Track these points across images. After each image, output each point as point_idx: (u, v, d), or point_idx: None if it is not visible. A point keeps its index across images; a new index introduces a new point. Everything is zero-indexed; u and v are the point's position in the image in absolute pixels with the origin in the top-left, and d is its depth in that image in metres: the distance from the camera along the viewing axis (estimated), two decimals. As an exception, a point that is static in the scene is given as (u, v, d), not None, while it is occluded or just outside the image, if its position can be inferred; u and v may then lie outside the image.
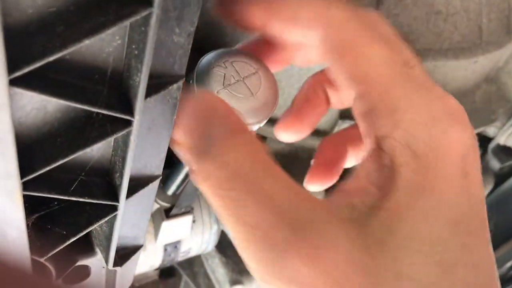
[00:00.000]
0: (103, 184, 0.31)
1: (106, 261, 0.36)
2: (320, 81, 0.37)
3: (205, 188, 0.26)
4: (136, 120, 0.25)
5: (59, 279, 0.37)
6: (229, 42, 0.41)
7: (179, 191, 0.57)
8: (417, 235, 0.24)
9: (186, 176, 0.55)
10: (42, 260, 0.32)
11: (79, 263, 0.38)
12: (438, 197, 0.25)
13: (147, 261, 0.58)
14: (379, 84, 0.27)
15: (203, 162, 0.26)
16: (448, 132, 0.26)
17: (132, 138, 0.26)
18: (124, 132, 0.26)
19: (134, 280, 0.76)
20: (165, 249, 0.61)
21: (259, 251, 0.24)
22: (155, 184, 0.33)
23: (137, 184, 0.32)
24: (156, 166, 0.32)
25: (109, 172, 0.30)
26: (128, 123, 0.26)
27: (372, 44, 0.28)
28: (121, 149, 0.28)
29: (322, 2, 0.29)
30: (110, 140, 0.28)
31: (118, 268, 0.38)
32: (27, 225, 0.29)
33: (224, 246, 0.65)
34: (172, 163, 0.57)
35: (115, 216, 0.32)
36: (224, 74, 0.32)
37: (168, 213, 0.58)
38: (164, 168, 0.56)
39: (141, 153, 0.30)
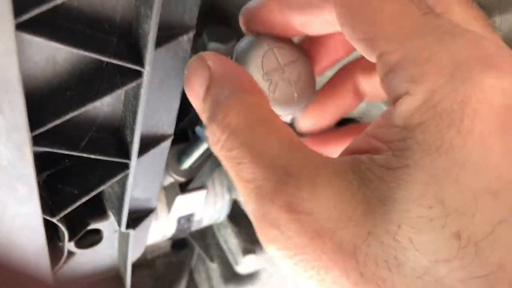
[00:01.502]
0: (115, 142, 0.30)
1: (119, 224, 0.36)
2: (351, 71, 0.34)
3: (216, 152, 0.26)
4: (147, 71, 0.25)
5: (71, 242, 0.37)
6: None
7: (194, 166, 0.56)
8: (429, 202, 0.21)
9: (204, 152, 0.54)
10: (54, 220, 0.32)
11: (92, 226, 0.38)
12: (465, 159, 0.21)
13: (160, 231, 0.58)
14: (396, 38, 0.24)
15: (211, 126, 0.26)
16: (478, 81, 0.22)
17: (143, 91, 0.26)
18: (134, 84, 0.25)
19: (146, 252, 0.76)
20: (179, 221, 0.61)
21: (252, 203, 0.24)
22: (167, 143, 0.33)
23: (149, 143, 0.31)
24: (168, 124, 0.31)
25: (120, 129, 0.30)
26: (138, 74, 0.25)
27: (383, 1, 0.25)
28: (132, 103, 0.27)
29: None
30: (121, 93, 0.28)
31: (131, 232, 0.37)
32: (38, 183, 0.28)
33: (236, 216, 0.65)
34: (188, 137, 0.56)
35: (127, 175, 0.31)
36: (263, 59, 0.30)
37: (182, 188, 0.58)
38: (180, 143, 0.55)
39: (152, 109, 0.29)
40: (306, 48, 0.32)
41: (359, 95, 0.34)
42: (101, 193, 0.38)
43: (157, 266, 0.75)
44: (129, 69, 0.25)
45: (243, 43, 0.31)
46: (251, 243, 0.63)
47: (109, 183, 0.31)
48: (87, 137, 0.28)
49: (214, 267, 0.74)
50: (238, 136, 0.25)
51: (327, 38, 0.32)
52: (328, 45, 0.33)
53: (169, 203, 0.58)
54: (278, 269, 0.70)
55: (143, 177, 0.34)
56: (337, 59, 0.34)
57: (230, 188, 0.60)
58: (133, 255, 0.45)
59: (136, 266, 0.75)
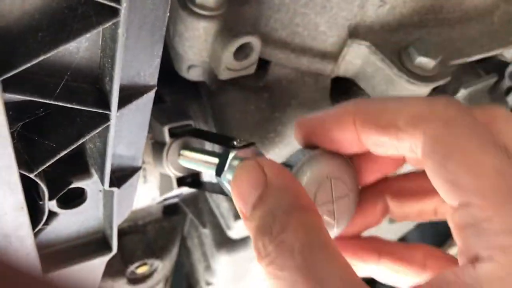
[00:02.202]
0: (94, 91, 0.28)
1: (102, 181, 0.34)
2: (381, 194, 0.34)
3: (261, 265, 0.26)
4: (124, 8, 0.23)
5: (53, 201, 0.35)
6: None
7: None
8: None
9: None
10: (32, 176, 0.30)
11: (74, 185, 0.36)
12: None
13: (149, 193, 0.56)
14: (488, 197, 0.23)
15: (262, 239, 0.25)
16: None
17: (120, 32, 0.24)
18: (111, 23, 0.23)
19: (137, 218, 0.75)
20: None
21: None
22: (150, 95, 0.31)
23: (131, 94, 0.30)
24: (150, 74, 0.30)
25: (99, 78, 0.28)
26: (115, 13, 0.23)
27: (484, 150, 0.23)
28: (110, 47, 0.25)
29: (425, 101, 0.26)
30: (98, 37, 0.26)
31: (115, 191, 0.36)
32: (12, 134, 0.26)
33: (228, 180, 0.64)
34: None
35: (108, 127, 0.29)
36: (319, 188, 0.31)
37: (179, 182, 0.55)
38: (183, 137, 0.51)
39: (132, 56, 0.27)
40: (355, 162, 0.32)
41: (385, 213, 0.34)
42: (83, 150, 0.36)
43: (149, 232, 0.74)
44: (105, 6, 0.23)
45: (304, 159, 0.30)
46: (243, 208, 0.62)
47: (88, 136, 0.29)
48: (61, 84, 0.26)
49: (206, 233, 0.73)
50: (294, 257, 0.24)
51: (381, 156, 0.30)
52: (379, 162, 0.32)
53: (163, 190, 0.57)
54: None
55: (126, 132, 0.32)
56: (383, 175, 0.34)
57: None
58: (119, 217, 0.44)
59: (127, 232, 0.74)
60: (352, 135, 0.28)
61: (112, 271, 0.71)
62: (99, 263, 0.44)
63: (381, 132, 0.27)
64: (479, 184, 0.23)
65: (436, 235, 1.05)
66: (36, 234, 0.38)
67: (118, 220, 0.43)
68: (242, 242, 0.70)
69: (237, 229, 0.64)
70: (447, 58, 0.45)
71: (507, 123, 0.25)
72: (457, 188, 0.23)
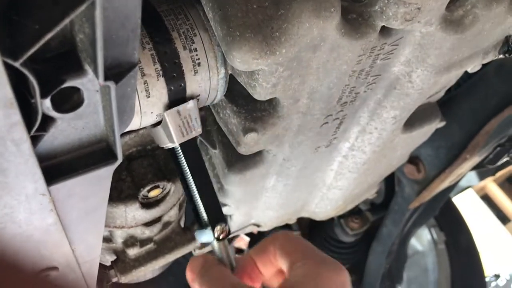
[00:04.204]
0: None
1: (96, 74, 0.32)
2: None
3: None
4: None
5: (45, 99, 0.33)
6: None
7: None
8: None
9: None
10: (17, 64, 0.28)
11: (68, 84, 0.34)
12: None
13: (153, 109, 0.54)
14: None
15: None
16: None
17: None
18: None
19: (145, 142, 0.73)
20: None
21: None
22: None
23: (116, -35, 0.27)
24: None
25: None
26: None
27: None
28: None
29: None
30: None
31: (111, 86, 0.34)
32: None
33: (235, 95, 0.61)
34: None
35: (93, 3, 0.27)
36: None
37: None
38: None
39: None
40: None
41: None
42: (74, 45, 0.33)
43: (158, 156, 0.72)
44: None
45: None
46: (252, 121, 0.60)
47: (73, 15, 0.27)
48: None
49: (216, 154, 0.71)
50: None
51: None
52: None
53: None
54: (281, 149, 0.68)
55: (116, 13, 0.29)
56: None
57: (225, 61, 0.56)
58: (121, 124, 0.42)
59: (136, 156, 0.73)
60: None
61: (123, 196, 0.70)
62: (105, 173, 0.42)
63: None
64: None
65: (449, 152, 1.04)
66: (35, 142, 0.37)
67: (120, 127, 0.41)
68: (252, 159, 0.69)
69: (247, 145, 0.62)
70: None
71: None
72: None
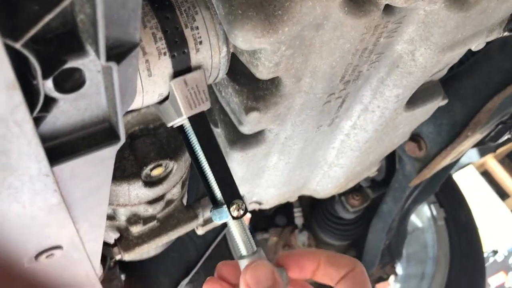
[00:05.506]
0: None
1: (98, 55, 0.32)
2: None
3: None
4: None
5: (47, 80, 0.33)
6: None
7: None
8: None
9: None
10: (18, 46, 0.28)
11: (69, 64, 0.33)
12: None
13: (155, 89, 0.54)
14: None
15: None
16: None
17: None
18: None
19: (148, 121, 0.73)
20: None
21: None
22: None
23: None
24: None
25: None
26: None
27: None
28: None
29: None
30: None
31: (114, 67, 0.33)
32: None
33: (237, 74, 0.61)
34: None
35: (95, -17, 0.26)
36: None
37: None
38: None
39: None
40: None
41: None
42: (75, 25, 0.33)
43: (161, 135, 0.72)
44: None
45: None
46: (254, 100, 0.60)
47: (74, -5, 0.26)
48: None
49: (218, 132, 0.71)
50: None
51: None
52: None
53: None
54: (283, 128, 0.68)
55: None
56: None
57: (227, 40, 0.55)
58: (124, 104, 0.41)
59: (138, 135, 0.73)
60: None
61: (126, 174, 0.70)
62: (108, 153, 0.42)
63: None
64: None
65: (451, 130, 1.03)
66: (37, 123, 0.37)
67: (123, 107, 0.41)
68: (254, 138, 0.68)
69: (249, 124, 0.62)
70: None
71: None
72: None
